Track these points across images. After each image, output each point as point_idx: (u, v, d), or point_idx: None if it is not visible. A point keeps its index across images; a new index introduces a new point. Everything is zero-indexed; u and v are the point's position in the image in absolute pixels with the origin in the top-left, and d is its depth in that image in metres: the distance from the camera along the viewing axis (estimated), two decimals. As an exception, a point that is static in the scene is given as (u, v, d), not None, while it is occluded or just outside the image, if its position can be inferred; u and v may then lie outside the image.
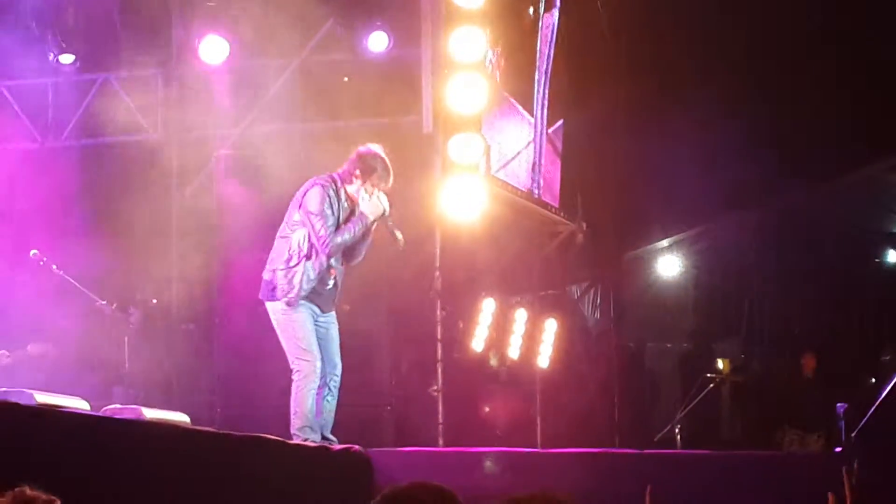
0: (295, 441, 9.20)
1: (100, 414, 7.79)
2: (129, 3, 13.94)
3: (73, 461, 6.42)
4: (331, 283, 9.61)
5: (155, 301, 13.31)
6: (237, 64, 13.55)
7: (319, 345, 9.50)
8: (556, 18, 13.65)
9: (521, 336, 14.07)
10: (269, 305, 9.59)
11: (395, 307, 12.81)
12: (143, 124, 14.00)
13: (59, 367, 11.69)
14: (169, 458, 7.21)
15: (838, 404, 10.89)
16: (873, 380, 15.06)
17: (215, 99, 13.55)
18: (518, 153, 13.47)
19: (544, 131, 13.76)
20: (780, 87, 15.25)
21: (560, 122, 14.25)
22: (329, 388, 9.55)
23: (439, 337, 12.54)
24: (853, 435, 9.24)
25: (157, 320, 13.11)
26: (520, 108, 13.52)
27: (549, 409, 14.15)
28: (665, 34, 15.03)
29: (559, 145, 14.37)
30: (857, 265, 17.70)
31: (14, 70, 13.83)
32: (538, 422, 14.02)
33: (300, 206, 9.55)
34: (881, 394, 9.63)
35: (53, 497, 4.76)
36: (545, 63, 13.65)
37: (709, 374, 15.40)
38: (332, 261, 9.56)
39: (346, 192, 9.58)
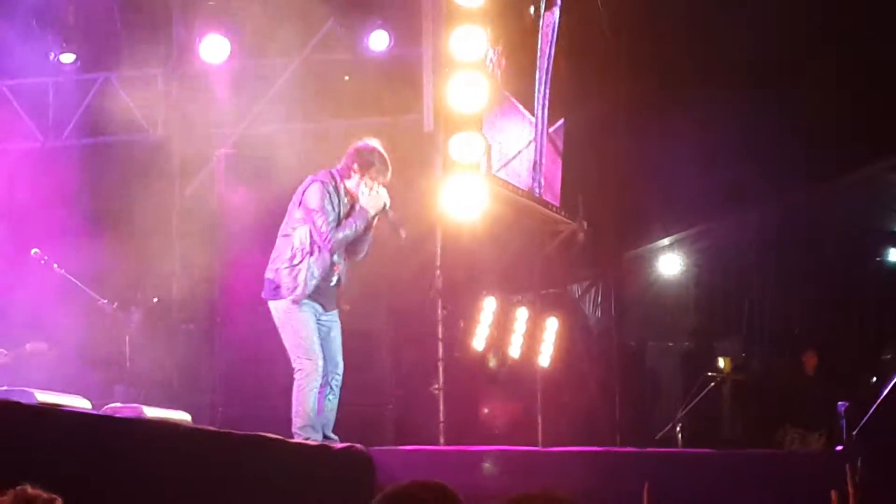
0: (296, 440, 9.20)
1: (101, 413, 7.79)
2: (130, 2, 13.95)
3: (74, 460, 6.43)
4: (335, 279, 9.61)
5: (156, 300, 13.31)
6: (238, 63, 13.55)
7: (321, 344, 9.51)
8: (557, 17, 13.65)
9: (521, 335, 14.06)
10: (272, 304, 9.59)
11: (396, 306, 12.81)
12: (143, 123, 14.00)
13: (60, 365, 11.68)
14: (170, 457, 7.21)
15: (839, 403, 10.89)
16: (874, 378, 15.04)
17: (216, 98, 13.56)
18: (519, 152, 13.47)
19: (545, 130, 13.76)
20: (780, 87, 15.26)
21: (561, 121, 14.25)
22: (331, 387, 9.55)
23: (440, 336, 12.54)
24: (854, 433, 9.24)
25: (158, 319, 13.11)
26: (521, 107, 13.52)
27: (550, 407, 14.15)
28: (665, 34, 15.04)
29: (560, 144, 14.37)
30: (858, 264, 17.70)
31: (15, 69, 13.84)
32: (539, 420, 14.01)
33: (300, 204, 9.55)
34: (882, 392, 9.63)
35: (55, 495, 4.76)
36: (546, 62, 13.65)
37: (710, 373, 15.38)
38: (336, 257, 9.56)
39: (345, 187, 9.58)
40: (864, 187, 16.97)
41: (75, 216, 13.52)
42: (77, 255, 12.14)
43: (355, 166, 9.57)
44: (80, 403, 7.73)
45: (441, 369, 12.44)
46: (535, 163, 13.64)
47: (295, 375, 9.45)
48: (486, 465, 8.98)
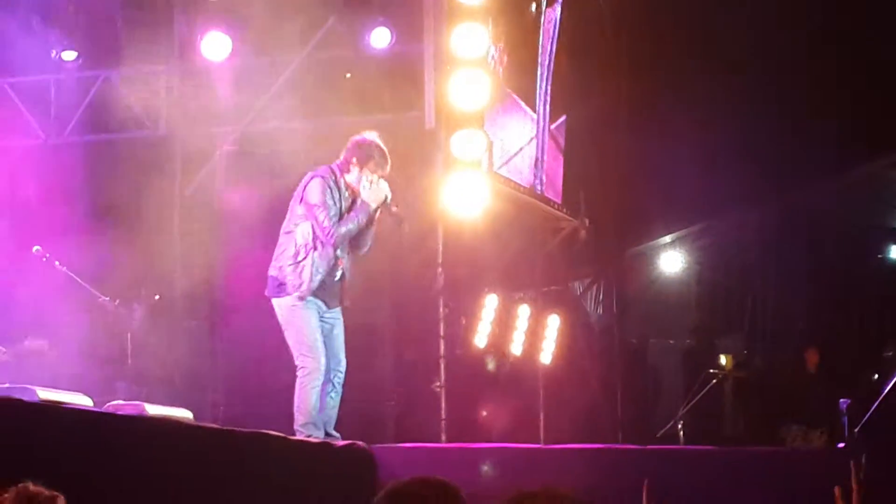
0: (298, 437, 9.20)
1: (103, 410, 7.80)
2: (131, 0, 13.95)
3: (76, 457, 6.43)
4: (339, 273, 9.61)
5: (158, 297, 13.30)
6: (240, 60, 13.54)
7: (324, 341, 9.51)
8: (559, 13, 13.66)
9: (523, 332, 14.07)
10: (275, 302, 9.58)
11: (397, 303, 12.82)
12: (145, 121, 13.99)
13: (61, 363, 11.69)
14: (172, 455, 7.22)
15: (841, 400, 10.90)
16: (876, 375, 15.04)
17: (218, 95, 13.55)
18: (521, 149, 13.47)
19: (547, 127, 13.77)
20: (781, 87, 15.26)
21: (563, 119, 14.26)
22: (333, 385, 9.56)
23: (442, 333, 12.53)
24: (856, 431, 9.24)
25: (160, 316, 13.10)
26: (522, 104, 13.52)
27: (552, 405, 14.15)
28: (666, 32, 15.06)
29: (562, 141, 14.38)
30: (860, 261, 17.70)
31: (17, 66, 13.83)
32: (541, 418, 14.02)
33: (302, 200, 9.56)
34: (884, 389, 9.64)
35: (56, 493, 4.77)
36: (547, 58, 13.66)
37: (711, 370, 15.39)
38: (339, 251, 9.56)
39: (345, 181, 9.59)
40: (864, 184, 16.97)
41: (77, 213, 13.51)
42: (79, 252, 12.14)
43: (354, 160, 9.57)
44: (81, 401, 7.73)
45: (443, 367, 12.44)
46: (536, 160, 13.65)
47: (297, 373, 9.46)
48: (489, 461, 8.98)
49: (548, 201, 14.01)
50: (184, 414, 8.63)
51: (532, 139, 13.62)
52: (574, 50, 14.23)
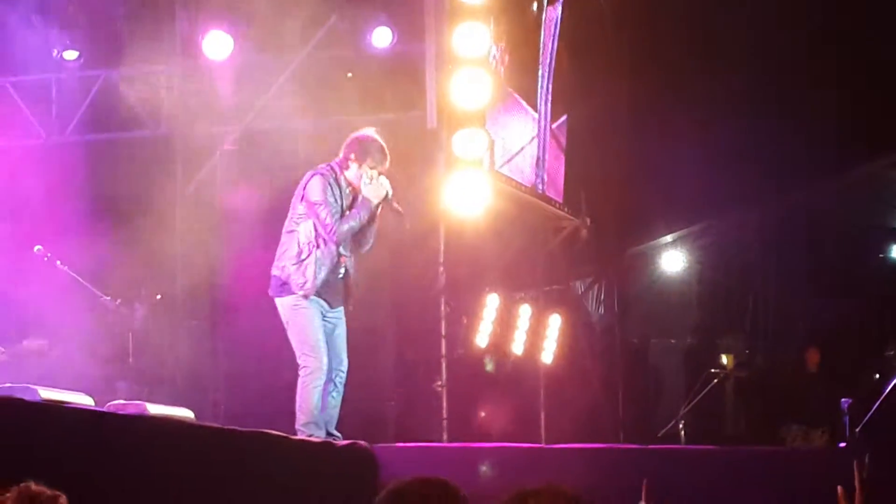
0: (299, 437, 9.20)
1: (104, 410, 7.79)
2: (133, -1, 13.96)
3: (77, 456, 6.43)
4: (342, 270, 9.60)
5: (159, 296, 13.31)
6: (241, 59, 13.54)
7: (327, 341, 9.50)
8: (560, 13, 13.66)
9: (525, 332, 14.08)
10: (278, 301, 9.57)
11: (398, 303, 12.82)
12: (146, 120, 14.00)
13: (63, 362, 11.69)
14: (173, 454, 7.21)
15: (842, 399, 10.90)
16: (877, 375, 15.05)
17: (219, 94, 13.56)
18: (522, 148, 13.47)
19: (548, 126, 13.77)
20: (781, 87, 15.26)
21: (564, 118, 14.27)
22: (335, 384, 9.55)
23: (443, 333, 12.54)
24: (857, 430, 9.24)
25: (161, 316, 13.10)
26: (524, 103, 13.52)
27: (553, 404, 14.16)
28: (666, 32, 15.06)
29: (563, 140, 14.38)
30: (860, 261, 17.70)
31: (18, 65, 13.83)
32: (542, 417, 14.03)
33: (303, 199, 9.54)
34: (885, 389, 9.64)
35: (58, 492, 4.77)
36: (549, 58, 13.66)
37: (713, 370, 15.40)
38: (342, 248, 9.55)
39: (345, 178, 9.57)
40: (865, 184, 16.97)
41: (78, 213, 13.51)
42: (80, 251, 12.15)
43: (353, 156, 9.56)
44: (83, 400, 7.73)
45: (444, 366, 12.44)
46: (538, 159, 13.65)
47: (300, 372, 9.45)
48: (486, 468, 8.97)
49: (549, 200, 14.02)
50: (185, 413, 8.63)
51: (533, 138, 13.63)
52: (575, 49, 14.23)
